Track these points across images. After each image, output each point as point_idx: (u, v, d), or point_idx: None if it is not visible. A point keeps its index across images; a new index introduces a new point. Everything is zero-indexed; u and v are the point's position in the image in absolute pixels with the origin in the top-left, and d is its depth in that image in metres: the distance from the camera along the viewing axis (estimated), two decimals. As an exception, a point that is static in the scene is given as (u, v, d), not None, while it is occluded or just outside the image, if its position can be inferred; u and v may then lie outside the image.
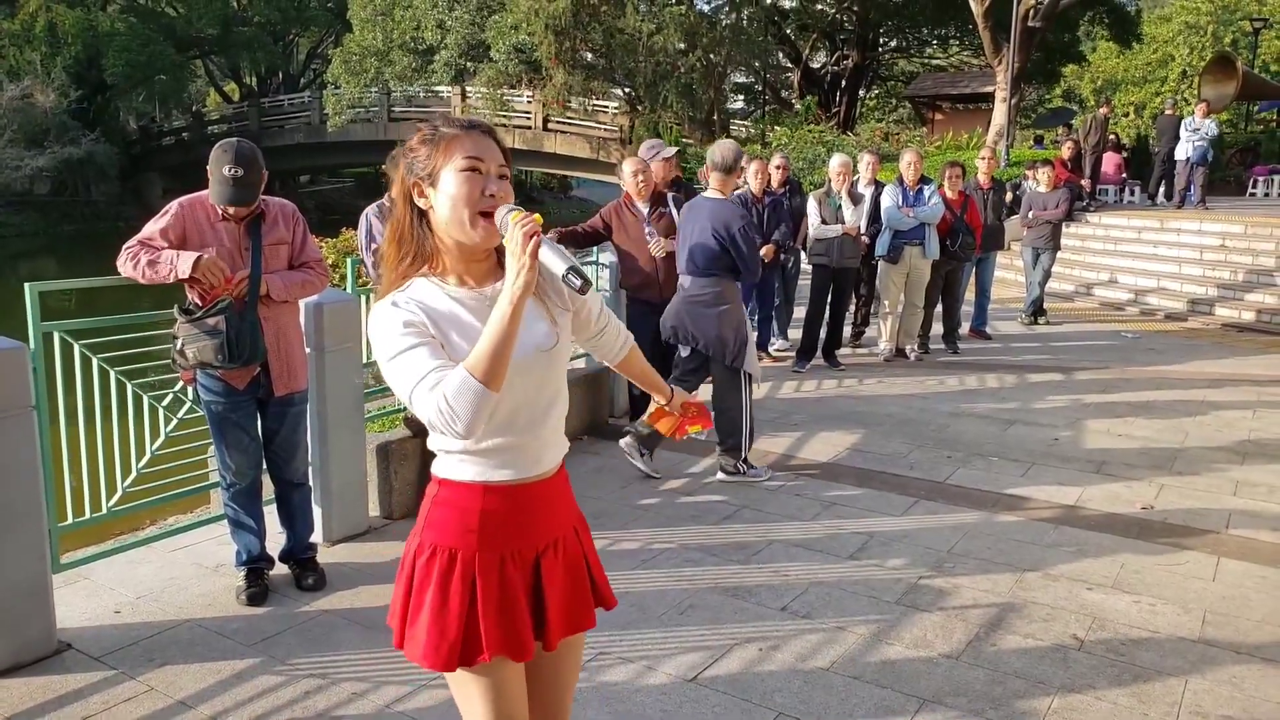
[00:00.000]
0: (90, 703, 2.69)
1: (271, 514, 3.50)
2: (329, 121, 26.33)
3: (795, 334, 7.31)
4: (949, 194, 7.29)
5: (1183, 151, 13.25)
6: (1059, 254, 9.17)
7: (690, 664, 2.92)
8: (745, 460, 4.60)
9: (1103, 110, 15.38)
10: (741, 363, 4.52)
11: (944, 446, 5.18)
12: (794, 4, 26.15)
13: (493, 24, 21.41)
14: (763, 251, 5.81)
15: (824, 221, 6.80)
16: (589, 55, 21.14)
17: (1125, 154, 17.36)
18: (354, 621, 3.19)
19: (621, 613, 3.16)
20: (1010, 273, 11.22)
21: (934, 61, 29.57)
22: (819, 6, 26.15)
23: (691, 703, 2.72)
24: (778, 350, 7.38)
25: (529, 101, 22.89)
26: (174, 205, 3.11)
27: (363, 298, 4.01)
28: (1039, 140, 21.23)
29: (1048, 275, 8.95)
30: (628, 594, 3.31)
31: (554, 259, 1.48)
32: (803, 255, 7.36)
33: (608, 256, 5.52)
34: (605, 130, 22.51)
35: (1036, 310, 9.03)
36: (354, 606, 3.30)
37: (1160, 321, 9.45)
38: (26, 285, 3.03)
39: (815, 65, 28.56)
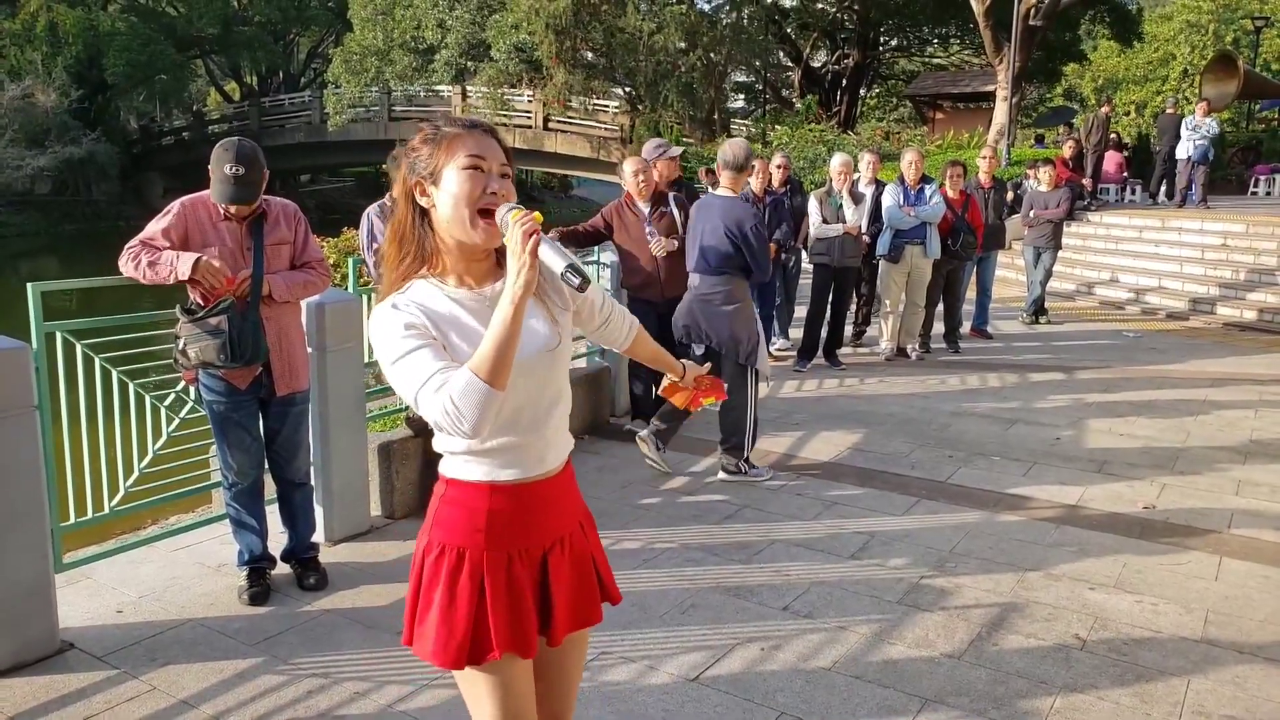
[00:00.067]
0: (93, 702, 2.70)
1: (273, 514, 3.50)
2: (329, 121, 26.33)
3: (796, 333, 7.31)
4: (950, 193, 7.29)
5: (1184, 150, 13.25)
6: (1060, 253, 9.17)
7: (692, 664, 2.92)
8: (747, 460, 4.60)
9: (1104, 109, 15.39)
10: (754, 361, 4.53)
11: (945, 446, 5.18)
12: (794, 3, 26.15)
13: (493, 23, 21.42)
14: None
15: (825, 221, 6.80)
16: (589, 54, 21.16)
17: (1126, 153, 17.36)
18: (356, 621, 3.19)
19: (623, 612, 3.17)
20: (1011, 272, 11.22)
21: (935, 60, 29.56)
22: (819, 5, 26.15)
23: (693, 702, 2.72)
24: (778, 350, 7.38)
25: (529, 101, 22.89)
26: (176, 205, 3.11)
27: (364, 297, 4.01)
28: (1040, 139, 21.23)
29: (1049, 274, 8.95)
30: (629, 593, 3.30)
31: (553, 257, 1.49)
32: (804, 254, 7.36)
33: (609, 256, 5.52)
34: (606, 130, 22.51)
35: (1038, 309, 9.03)
36: (356, 606, 3.30)
37: (1162, 321, 9.44)
38: (29, 285, 3.03)
39: (816, 64, 28.57)
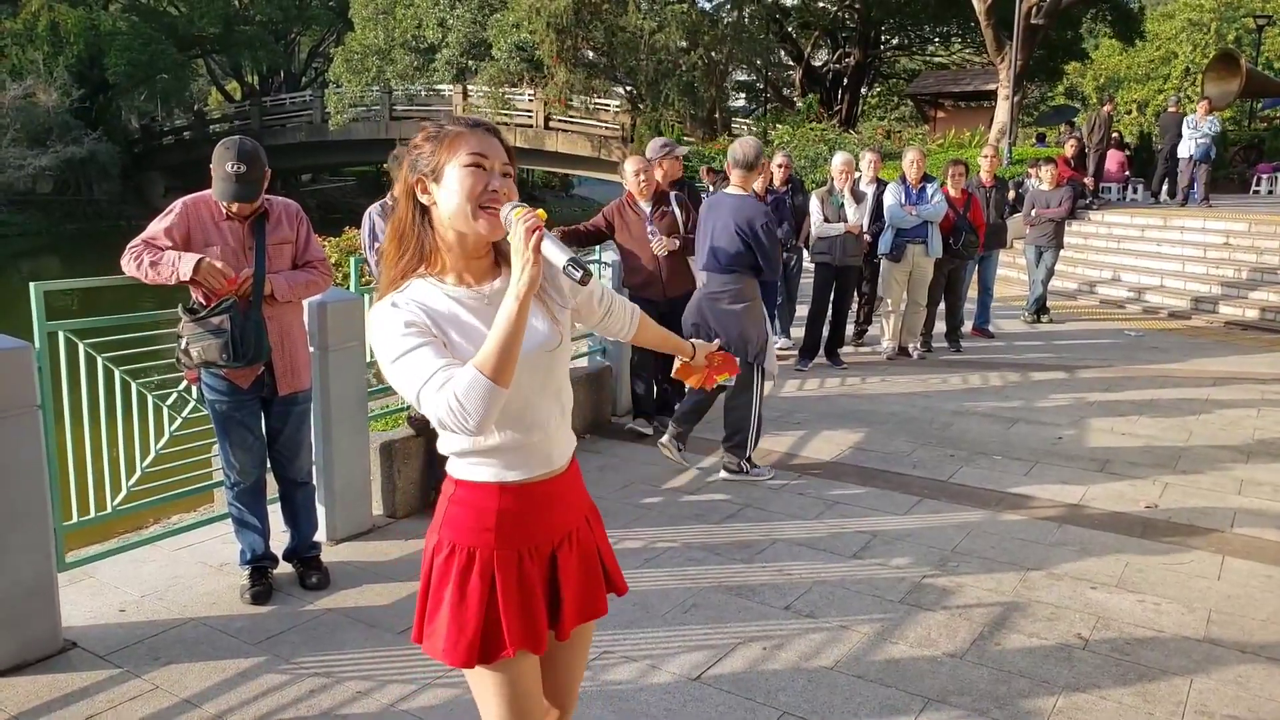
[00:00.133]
0: (96, 701, 2.70)
1: (275, 513, 3.50)
2: (330, 120, 26.35)
3: (797, 332, 7.31)
4: (952, 192, 7.29)
5: (1186, 149, 13.23)
6: (1062, 252, 9.16)
7: (694, 663, 2.92)
8: (749, 459, 4.60)
9: (1106, 108, 15.37)
10: (762, 360, 4.53)
11: (947, 445, 5.18)
12: (796, 2, 26.14)
13: (494, 22, 21.42)
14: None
15: (826, 219, 6.80)
16: (590, 53, 21.15)
17: (1128, 152, 17.35)
18: (358, 620, 3.19)
19: (625, 612, 3.17)
20: (1013, 271, 11.21)
21: (936, 59, 29.53)
22: (821, 4, 26.14)
23: (695, 702, 2.72)
24: (780, 349, 7.37)
25: (530, 100, 22.89)
26: (178, 204, 3.11)
27: (366, 297, 4.00)
28: (1041, 138, 21.22)
29: (1051, 273, 8.95)
30: (631, 592, 3.30)
31: (555, 252, 1.49)
32: (805, 253, 7.36)
33: (610, 255, 5.52)
34: (607, 129, 22.51)
35: (1039, 308, 9.02)
36: (358, 605, 3.30)
37: (1163, 320, 9.44)
38: (32, 285, 3.03)
39: (817, 63, 28.55)
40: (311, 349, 3.53)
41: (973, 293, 8.28)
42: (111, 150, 27.89)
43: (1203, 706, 2.70)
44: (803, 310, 7.22)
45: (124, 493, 3.45)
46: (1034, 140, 21.21)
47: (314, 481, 3.61)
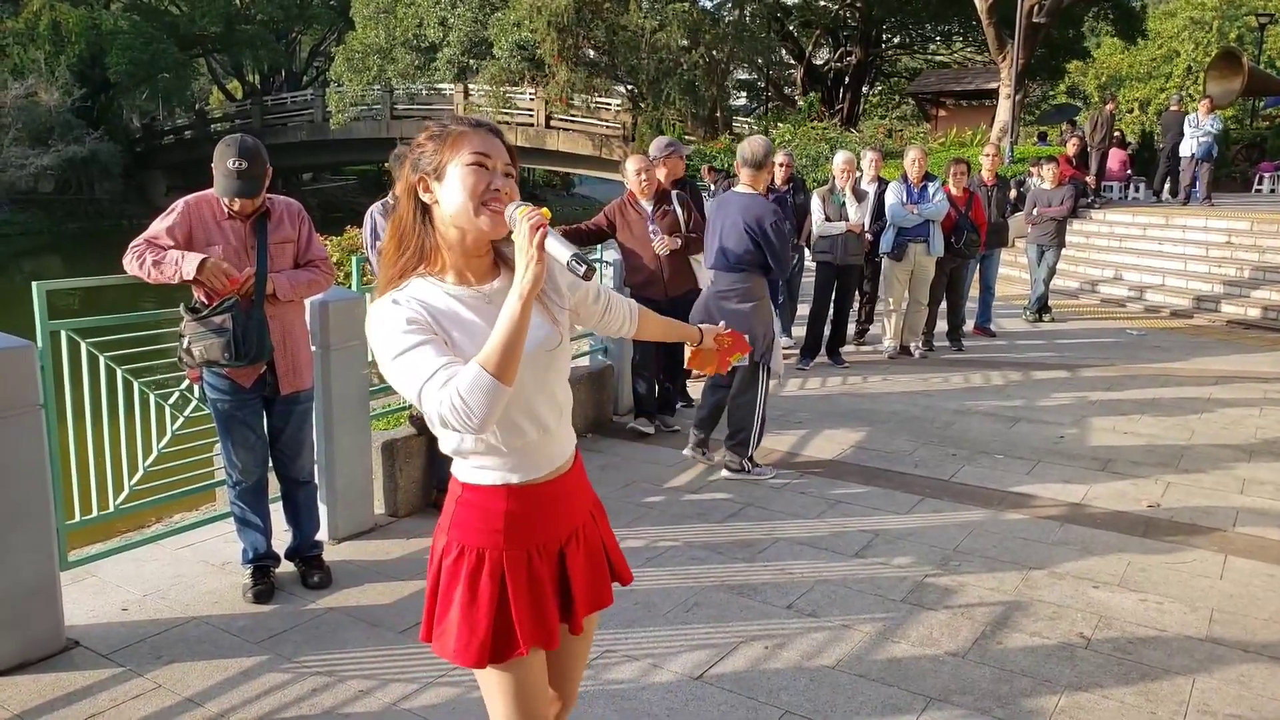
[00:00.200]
0: (98, 700, 2.70)
1: (277, 512, 3.51)
2: (332, 119, 26.34)
3: (799, 331, 7.31)
4: (954, 191, 7.28)
5: (1187, 148, 13.21)
6: (1064, 251, 9.15)
7: (696, 662, 2.92)
8: (750, 458, 4.60)
9: (1108, 106, 15.35)
10: (769, 359, 4.53)
11: (949, 444, 5.17)
12: (797, 0, 26.11)
13: (495, 21, 21.40)
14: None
15: (828, 218, 6.80)
16: (591, 52, 21.13)
17: (1130, 150, 17.33)
18: (360, 619, 3.19)
19: (627, 611, 3.17)
20: (1015, 270, 11.20)
21: (937, 58, 29.51)
22: (822, 3, 26.12)
23: (697, 700, 2.72)
24: (782, 348, 7.37)
25: (531, 99, 22.88)
26: (180, 203, 3.12)
27: (368, 296, 4.00)
28: (1043, 137, 21.19)
29: (1052, 272, 8.94)
30: (633, 591, 3.31)
31: (559, 248, 1.49)
32: (806, 252, 7.35)
33: (612, 254, 5.52)
34: (608, 128, 22.50)
35: (1041, 307, 9.02)
36: (360, 604, 3.30)
37: (1165, 318, 9.43)
38: (34, 284, 3.03)
39: (818, 62, 28.53)
40: (313, 348, 3.53)
41: (974, 291, 8.27)
42: (113, 149, 27.91)
43: (1205, 706, 2.69)
44: (804, 309, 7.22)
45: (126, 492, 3.45)
46: (1035, 139, 21.19)
47: (316, 480, 3.61)
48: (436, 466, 4.14)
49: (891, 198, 7.05)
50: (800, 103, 23.88)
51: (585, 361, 5.59)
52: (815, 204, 6.88)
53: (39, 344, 2.98)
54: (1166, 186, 14.82)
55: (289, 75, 38.09)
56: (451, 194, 1.56)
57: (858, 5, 25.35)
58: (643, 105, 21.17)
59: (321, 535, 3.64)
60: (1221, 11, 31.96)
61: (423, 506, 4.18)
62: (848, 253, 6.82)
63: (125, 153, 29.34)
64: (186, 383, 3.49)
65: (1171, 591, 3.41)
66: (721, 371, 2.12)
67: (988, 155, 8.26)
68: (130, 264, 3.02)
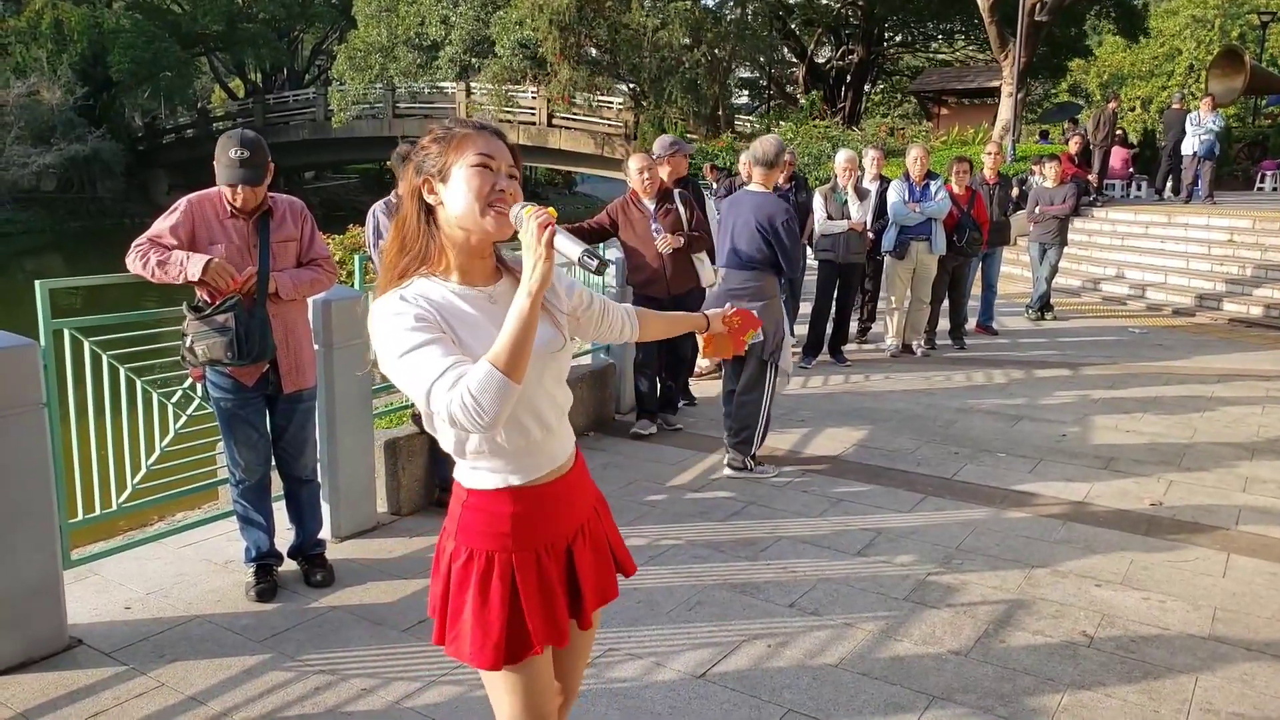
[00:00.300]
0: (101, 698, 2.70)
1: (280, 510, 3.51)
2: (334, 118, 26.37)
3: (801, 330, 7.30)
4: (956, 189, 7.28)
5: (1189, 146, 13.18)
6: (1066, 249, 9.15)
7: (699, 660, 2.92)
8: (753, 456, 4.60)
9: (1111, 105, 15.33)
10: (777, 358, 4.53)
11: (951, 442, 5.17)
12: (799, -1, 26.11)
13: (497, 19, 21.42)
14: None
15: (830, 217, 6.79)
16: (594, 51, 21.13)
17: (1132, 149, 17.31)
18: (363, 618, 3.19)
19: (630, 609, 3.18)
20: (1017, 268, 11.20)
21: (939, 56, 29.48)
22: (824, 1, 26.09)
23: (700, 699, 2.72)
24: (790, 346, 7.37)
25: (533, 97, 22.88)
26: (183, 202, 3.12)
27: (370, 294, 4.01)
28: (1045, 135, 21.16)
29: (1054, 270, 8.94)
30: (636, 590, 3.32)
31: (569, 245, 1.50)
32: (808, 251, 7.35)
33: (614, 253, 5.52)
34: (610, 126, 22.50)
35: (1043, 306, 9.01)
36: (363, 603, 3.30)
37: (1167, 317, 9.42)
38: (37, 283, 3.04)
39: (820, 60, 28.51)
40: (316, 346, 3.54)
41: (976, 290, 8.27)
42: (115, 148, 27.94)
43: (1208, 704, 2.69)
44: (806, 307, 7.21)
45: (129, 490, 3.45)
46: (1037, 137, 21.16)
47: (319, 479, 3.61)
48: (439, 465, 4.14)
49: (894, 196, 7.04)
50: (802, 101, 23.87)
51: (587, 360, 5.59)
52: (817, 202, 6.87)
53: (41, 343, 2.98)
54: (1169, 185, 14.80)
55: (291, 74, 38.09)
56: (456, 195, 1.57)
57: (860, 4, 25.34)
58: (645, 104, 21.17)
59: (324, 534, 3.64)
60: (1223, 9, 31.91)
61: (425, 505, 4.18)
62: (850, 251, 6.82)
63: (127, 151, 29.38)
64: (189, 381, 3.50)
65: (1174, 590, 3.41)
66: (739, 352, 2.11)
67: (990, 153, 8.26)
68: (133, 263, 3.02)
